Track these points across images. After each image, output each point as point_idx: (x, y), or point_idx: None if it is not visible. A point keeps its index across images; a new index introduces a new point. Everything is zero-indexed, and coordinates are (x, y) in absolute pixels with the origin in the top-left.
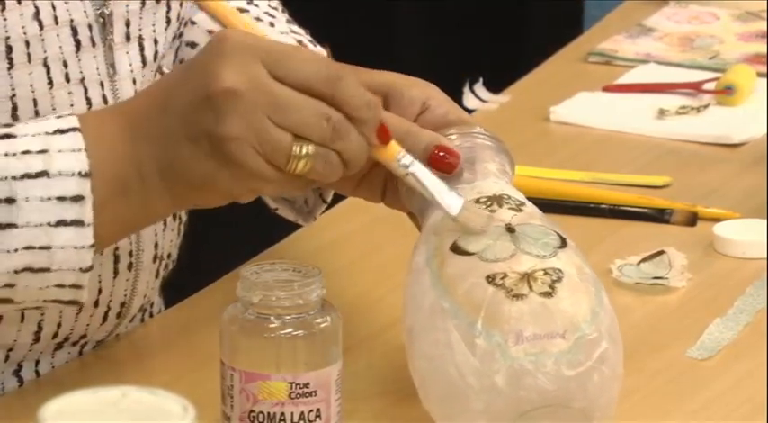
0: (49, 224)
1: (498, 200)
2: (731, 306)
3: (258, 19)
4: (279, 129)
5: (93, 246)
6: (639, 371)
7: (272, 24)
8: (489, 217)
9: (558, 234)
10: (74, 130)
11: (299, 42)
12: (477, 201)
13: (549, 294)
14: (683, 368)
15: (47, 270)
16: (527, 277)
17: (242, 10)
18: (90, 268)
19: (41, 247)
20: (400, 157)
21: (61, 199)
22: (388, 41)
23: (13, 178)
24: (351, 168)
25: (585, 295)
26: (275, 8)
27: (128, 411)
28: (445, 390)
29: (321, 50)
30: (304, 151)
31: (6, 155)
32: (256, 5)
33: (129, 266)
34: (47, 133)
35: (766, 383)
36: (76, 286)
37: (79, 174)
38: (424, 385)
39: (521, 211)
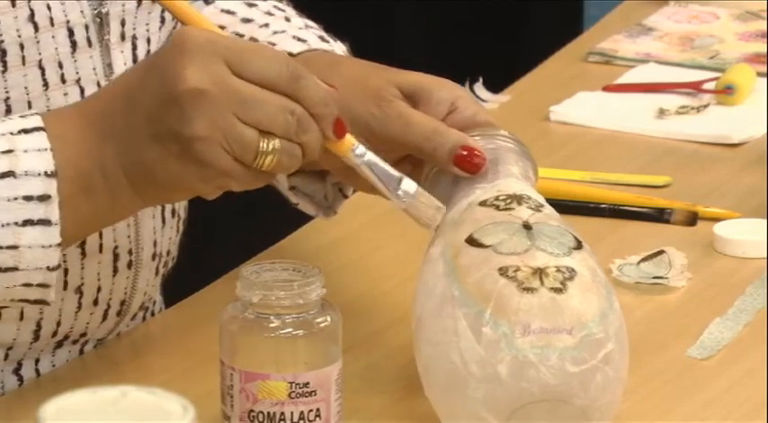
0: (16, 224)
1: (518, 198)
2: (731, 306)
3: (269, 13)
4: (245, 125)
5: (59, 244)
6: (639, 370)
7: (287, 19)
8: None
9: (575, 236)
10: (38, 129)
11: (321, 38)
12: (497, 198)
13: (559, 291)
14: (683, 368)
15: (14, 269)
16: (539, 272)
17: (250, 4)
18: (57, 267)
19: (8, 247)
20: (354, 148)
21: (28, 198)
22: (389, 41)
23: None
24: (307, 160)
25: (596, 296)
26: (281, 0)
27: (127, 411)
28: (447, 377)
29: (340, 45)
30: (270, 146)
31: None
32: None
33: (129, 264)
34: (11, 133)
35: (766, 383)
36: (44, 285)
37: (45, 173)
38: (427, 372)
39: (539, 211)
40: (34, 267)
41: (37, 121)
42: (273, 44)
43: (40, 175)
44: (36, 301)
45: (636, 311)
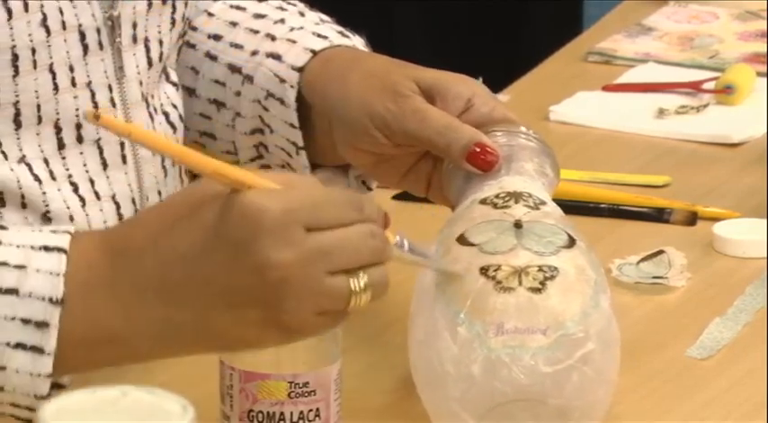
0: (8, 344)
1: (516, 196)
2: (731, 305)
3: (281, 8)
4: (333, 276)
5: (50, 375)
6: (639, 370)
7: (301, 14)
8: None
9: (569, 235)
10: (59, 250)
11: (340, 33)
12: (497, 196)
13: (537, 290)
14: (683, 368)
15: (0, 389)
16: (519, 272)
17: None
18: (47, 396)
19: None
20: (397, 242)
21: (25, 321)
22: (389, 41)
23: None
24: None
25: (578, 295)
26: None
27: (127, 411)
28: (428, 376)
29: (359, 39)
30: (362, 283)
31: None
32: None
33: None
34: (32, 247)
35: (766, 383)
36: (32, 409)
37: (50, 300)
38: (415, 371)
39: (537, 209)
40: (20, 392)
41: (62, 241)
42: (293, 41)
43: (43, 299)
44: (27, 420)
45: (635, 311)
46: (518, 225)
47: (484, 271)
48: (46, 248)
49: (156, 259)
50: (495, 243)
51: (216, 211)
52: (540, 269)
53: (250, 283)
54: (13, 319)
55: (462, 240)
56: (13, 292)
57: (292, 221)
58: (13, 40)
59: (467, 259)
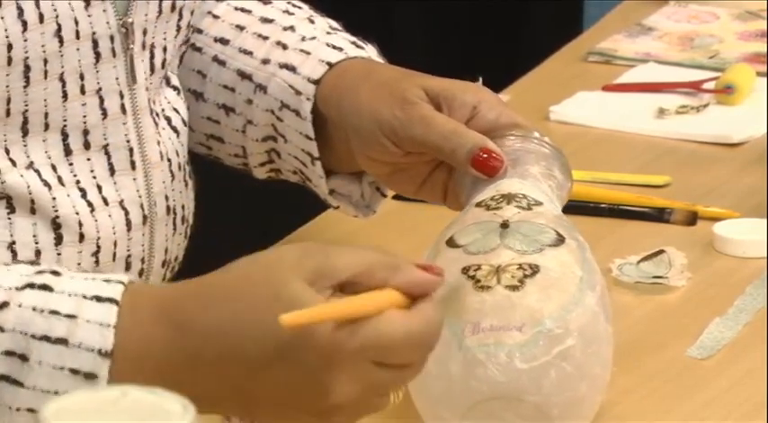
0: (56, 393)
1: (510, 198)
2: (731, 305)
3: (287, 12)
4: (381, 397)
5: None
6: (639, 370)
7: (310, 20)
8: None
9: (558, 233)
10: (111, 301)
11: (353, 43)
12: (492, 198)
13: (515, 288)
14: (683, 367)
15: None
16: (498, 270)
17: (265, 1)
18: None
19: None
20: None
21: (74, 372)
22: (389, 41)
23: (33, 336)
24: None
25: (559, 292)
26: None
27: (127, 411)
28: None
29: (372, 48)
30: (401, 394)
31: (34, 309)
32: None
33: (141, 272)
34: (84, 296)
35: (766, 383)
36: None
37: (99, 352)
38: None
39: (529, 209)
40: None
41: (114, 292)
42: (308, 53)
43: (92, 351)
44: None
45: (635, 311)
46: (504, 225)
47: (465, 271)
48: (98, 299)
49: (217, 353)
50: (479, 244)
51: (296, 348)
52: (520, 267)
53: (308, 405)
54: (62, 369)
55: (450, 243)
56: (62, 341)
57: (363, 361)
58: (26, 52)
59: (452, 261)
